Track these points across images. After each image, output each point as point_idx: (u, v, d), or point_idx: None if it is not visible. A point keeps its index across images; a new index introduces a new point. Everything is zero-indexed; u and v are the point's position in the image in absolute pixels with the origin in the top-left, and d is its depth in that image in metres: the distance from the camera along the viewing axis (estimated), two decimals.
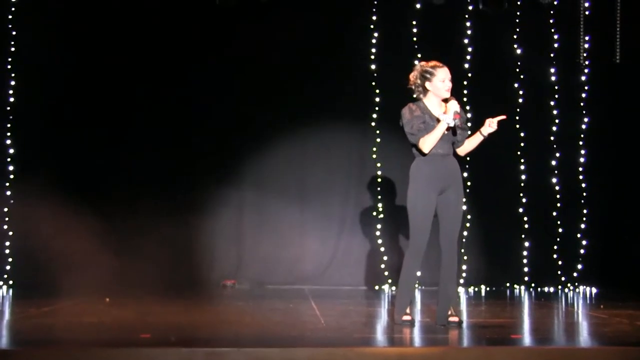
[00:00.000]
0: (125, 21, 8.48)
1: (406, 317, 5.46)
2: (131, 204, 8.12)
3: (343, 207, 8.87)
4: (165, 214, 8.18)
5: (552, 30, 8.74)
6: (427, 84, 5.39)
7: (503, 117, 5.30)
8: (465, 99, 8.53)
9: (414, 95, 5.46)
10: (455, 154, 5.48)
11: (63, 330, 5.35)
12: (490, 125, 5.31)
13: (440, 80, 5.32)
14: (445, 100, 5.37)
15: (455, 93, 7.59)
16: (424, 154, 5.31)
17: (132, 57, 8.49)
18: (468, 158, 8.27)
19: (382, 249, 8.75)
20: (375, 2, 8.69)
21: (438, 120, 5.31)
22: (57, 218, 7.57)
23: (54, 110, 8.40)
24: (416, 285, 5.54)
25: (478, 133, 5.44)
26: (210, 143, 8.69)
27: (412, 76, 5.46)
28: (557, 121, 8.74)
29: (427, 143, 5.28)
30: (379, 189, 8.78)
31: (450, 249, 5.41)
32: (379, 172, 8.78)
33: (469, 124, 5.72)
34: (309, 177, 8.87)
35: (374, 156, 8.75)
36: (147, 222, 8.02)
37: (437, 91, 5.36)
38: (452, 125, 5.20)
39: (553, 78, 8.75)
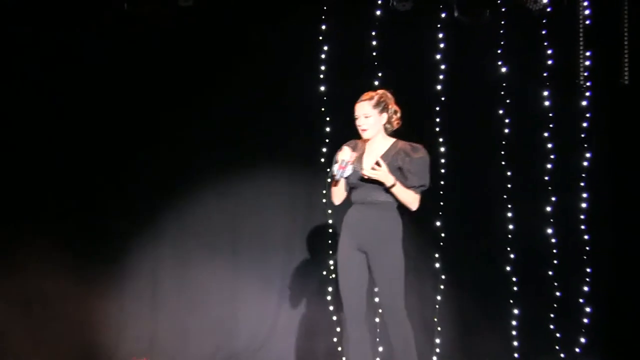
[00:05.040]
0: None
1: None
2: (23, 267, 6.91)
3: (285, 265, 7.39)
4: (58, 276, 6.90)
5: (546, 44, 7.42)
6: None
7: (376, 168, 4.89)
8: (437, 129, 7.27)
9: None
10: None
11: None
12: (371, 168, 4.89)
13: (355, 117, 5.04)
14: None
15: (426, 122, 6.91)
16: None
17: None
18: (442, 203, 7.20)
19: (335, 317, 7.23)
20: (325, 8, 7.23)
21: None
22: None
23: None
24: None
25: None
26: (118, 185, 7.25)
27: None
28: (552, 157, 7.40)
29: (331, 195, 5.15)
30: (330, 241, 7.24)
31: (393, 321, 4.90)
32: (330, 221, 7.23)
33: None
34: (244, 229, 7.41)
35: (324, 200, 7.23)
36: (39, 288, 6.87)
37: None
38: (336, 178, 4.92)
39: (547, 103, 7.39)
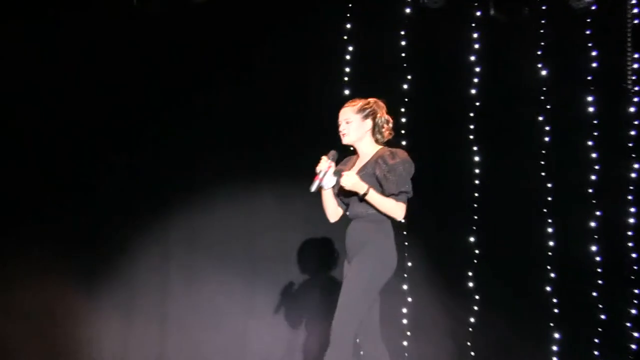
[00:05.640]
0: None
1: None
2: (28, 281, 6.57)
3: (305, 279, 6.91)
4: (64, 291, 6.57)
5: (590, 45, 6.99)
6: None
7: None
8: (471, 136, 6.88)
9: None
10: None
11: None
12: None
13: (338, 123, 4.88)
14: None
15: (459, 128, 6.80)
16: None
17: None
18: (475, 217, 6.83)
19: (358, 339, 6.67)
20: (350, 5, 6.86)
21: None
22: None
23: None
24: None
25: None
26: (126, 197, 6.82)
27: None
28: (596, 168, 6.95)
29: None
30: None
31: (332, 341, 4.50)
32: None
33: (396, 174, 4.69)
34: (260, 242, 6.97)
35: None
36: (44, 303, 6.54)
37: None
38: (312, 189, 4.77)
39: (591, 109, 6.94)
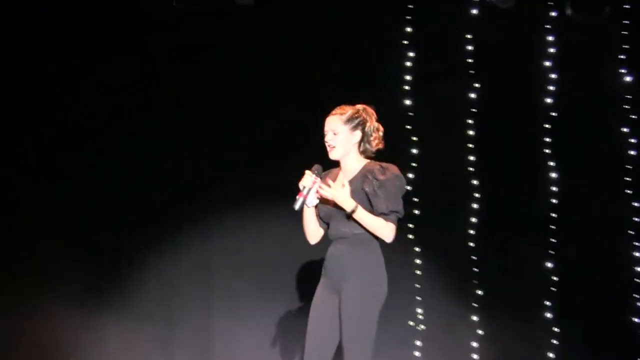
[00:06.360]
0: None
1: None
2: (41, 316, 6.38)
3: None
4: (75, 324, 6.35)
5: None
6: None
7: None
8: (548, 150, 6.33)
9: None
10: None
11: None
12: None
13: (324, 133, 4.54)
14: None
15: (532, 141, 6.36)
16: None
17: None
18: (553, 239, 6.29)
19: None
20: (411, 7, 6.45)
21: None
22: None
23: None
24: None
25: None
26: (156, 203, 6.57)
27: None
28: None
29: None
30: (417, 285, 6.39)
31: None
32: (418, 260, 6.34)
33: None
34: (278, 265, 6.62)
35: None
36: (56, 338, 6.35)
37: None
38: (295, 208, 4.41)
39: None
